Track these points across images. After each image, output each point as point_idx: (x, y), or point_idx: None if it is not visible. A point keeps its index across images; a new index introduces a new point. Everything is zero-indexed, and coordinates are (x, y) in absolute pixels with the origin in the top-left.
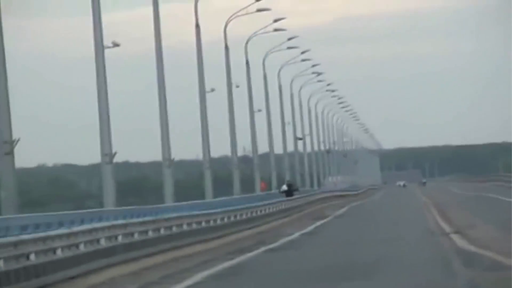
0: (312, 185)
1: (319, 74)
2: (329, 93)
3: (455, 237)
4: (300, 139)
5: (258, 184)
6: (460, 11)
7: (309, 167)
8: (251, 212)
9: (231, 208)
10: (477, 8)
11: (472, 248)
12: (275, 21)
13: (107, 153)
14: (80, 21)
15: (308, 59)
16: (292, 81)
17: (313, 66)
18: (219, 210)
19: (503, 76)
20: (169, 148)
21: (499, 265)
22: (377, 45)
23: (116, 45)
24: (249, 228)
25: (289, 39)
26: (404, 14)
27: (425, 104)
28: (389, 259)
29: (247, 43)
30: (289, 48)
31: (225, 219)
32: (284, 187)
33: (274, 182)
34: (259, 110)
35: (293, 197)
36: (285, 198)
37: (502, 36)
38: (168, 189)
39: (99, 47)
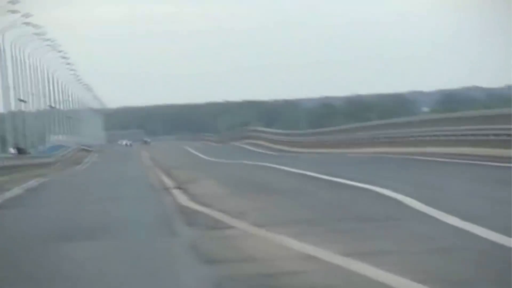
0: (34, 145)
1: (32, 25)
2: (51, 52)
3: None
4: (23, 101)
5: None
6: None
7: (34, 127)
8: None
9: None
10: None
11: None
12: None
13: None
14: None
15: (30, 22)
16: (12, 43)
17: (27, 17)
18: None
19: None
20: None
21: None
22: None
23: None
24: None
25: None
26: None
27: (150, 63)
28: (115, 217)
29: None
30: (12, 12)
31: None
32: (12, 150)
33: None
34: None
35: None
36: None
37: None
38: None
39: None
